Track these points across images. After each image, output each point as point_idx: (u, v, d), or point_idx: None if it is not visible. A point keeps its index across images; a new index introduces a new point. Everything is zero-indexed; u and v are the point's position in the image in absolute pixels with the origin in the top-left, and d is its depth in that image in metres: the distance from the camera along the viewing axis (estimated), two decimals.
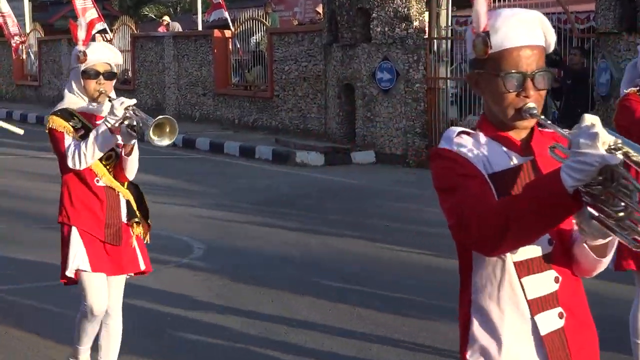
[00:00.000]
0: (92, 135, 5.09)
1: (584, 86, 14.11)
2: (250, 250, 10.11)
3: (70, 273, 5.26)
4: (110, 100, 5.14)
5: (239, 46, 22.49)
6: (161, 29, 27.24)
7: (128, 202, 5.40)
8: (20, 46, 30.92)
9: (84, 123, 5.24)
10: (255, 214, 12.33)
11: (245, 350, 6.87)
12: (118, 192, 5.34)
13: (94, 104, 5.25)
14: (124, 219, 5.38)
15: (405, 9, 16.85)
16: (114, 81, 5.29)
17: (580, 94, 14.02)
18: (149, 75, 25.80)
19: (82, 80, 5.20)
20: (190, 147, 19.79)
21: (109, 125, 5.03)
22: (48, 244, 10.38)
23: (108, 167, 5.31)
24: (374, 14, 17.11)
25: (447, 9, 18.31)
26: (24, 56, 31.53)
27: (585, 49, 14.86)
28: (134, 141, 5.19)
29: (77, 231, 5.27)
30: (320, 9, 21.35)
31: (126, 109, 5.00)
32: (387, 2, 16.93)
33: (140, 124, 4.95)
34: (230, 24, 23.04)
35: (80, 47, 5.23)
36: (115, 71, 5.29)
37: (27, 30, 31.75)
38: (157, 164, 16.21)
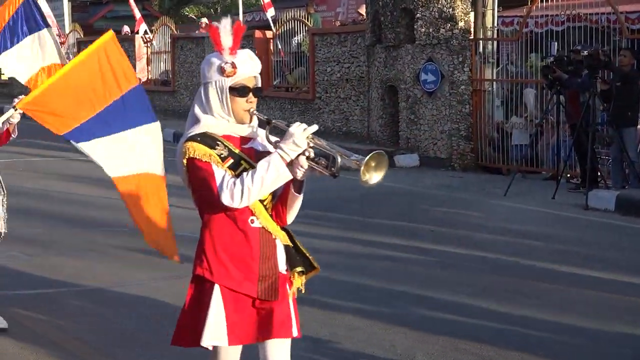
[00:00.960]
0: (262, 166, 4.17)
1: (634, 87, 13.81)
2: None
3: (206, 344, 4.36)
4: (268, 123, 4.33)
5: (280, 47, 22.34)
6: (200, 31, 27.10)
7: (287, 247, 4.54)
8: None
9: (230, 150, 4.31)
10: (298, 217, 12.11)
11: None
12: (275, 236, 4.47)
13: (242, 125, 4.37)
14: (282, 268, 4.49)
15: (450, 9, 16.61)
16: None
17: (630, 96, 13.73)
18: (189, 77, 25.73)
19: (229, 98, 4.32)
20: None
21: (287, 158, 4.17)
22: (87, 248, 10.29)
23: (265, 203, 4.45)
24: (418, 15, 16.88)
25: (492, 9, 18.01)
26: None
27: (636, 50, 14.55)
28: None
29: (219, 292, 4.33)
30: (363, 10, 21.16)
31: (308, 137, 4.22)
32: (431, 2, 16.69)
33: (329, 158, 4.22)
34: (272, 24, 22.90)
35: (227, 56, 4.37)
36: (261, 85, 4.47)
37: (67, 31, 31.84)
38: None
